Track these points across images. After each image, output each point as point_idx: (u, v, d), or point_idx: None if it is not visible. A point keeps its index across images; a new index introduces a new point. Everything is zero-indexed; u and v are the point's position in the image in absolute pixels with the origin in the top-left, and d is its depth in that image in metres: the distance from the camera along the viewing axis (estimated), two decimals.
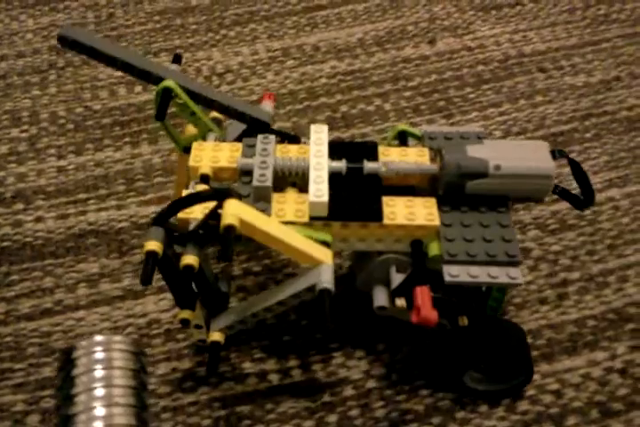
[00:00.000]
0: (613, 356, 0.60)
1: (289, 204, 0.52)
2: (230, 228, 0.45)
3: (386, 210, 0.51)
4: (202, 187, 0.53)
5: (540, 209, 0.72)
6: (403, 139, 0.59)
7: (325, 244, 0.50)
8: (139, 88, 0.86)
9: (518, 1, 1.00)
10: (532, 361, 0.55)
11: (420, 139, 0.57)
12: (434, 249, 0.51)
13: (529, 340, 0.59)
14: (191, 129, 0.60)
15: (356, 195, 0.52)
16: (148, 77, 0.56)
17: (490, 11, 0.99)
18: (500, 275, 0.50)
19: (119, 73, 0.87)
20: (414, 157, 0.55)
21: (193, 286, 0.52)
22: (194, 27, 0.96)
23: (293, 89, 0.87)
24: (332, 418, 0.55)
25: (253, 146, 0.55)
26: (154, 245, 0.46)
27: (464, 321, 0.53)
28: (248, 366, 0.59)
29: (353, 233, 0.52)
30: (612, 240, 0.69)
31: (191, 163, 0.54)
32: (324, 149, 0.54)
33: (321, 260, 0.49)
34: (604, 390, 0.57)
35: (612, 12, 0.98)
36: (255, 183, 0.51)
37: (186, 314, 0.51)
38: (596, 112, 0.83)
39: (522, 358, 0.54)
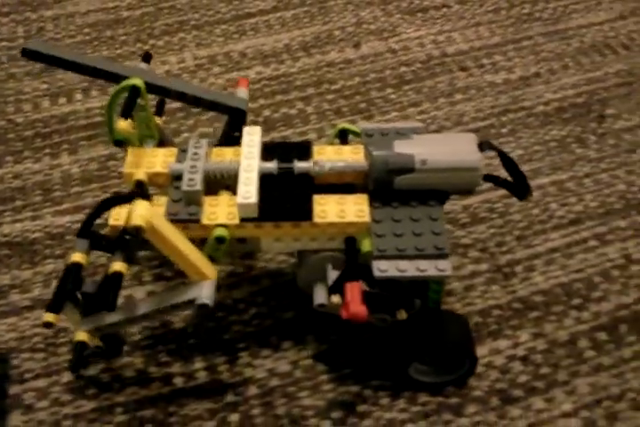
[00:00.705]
0: (516, 344, 0.60)
1: (221, 206, 0.52)
2: (138, 229, 0.45)
3: (317, 208, 0.52)
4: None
5: (452, 204, 0.73)
6: (344, 137, 0.60)
7: (221, 240, 0.51)
8: (63, 100, 0.86)
9: (445, 3, 1.03)
10: (475, 350, 0.55)
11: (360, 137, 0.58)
12: (366, 245, 0.51)
13: None
14: (123, 124, 0.56)
15: (287, 195, 0.52)
16: (117, 79, 0.57)
17: (416, 14, 1.01)
18: (429, 268, 0.50)
19: (44, 86, 0.89)
20: (349, 155, 0.55)
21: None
22: (123, 38, 0.97)
23: None
24: (234, 418, 0.56)
25: (185, 150, 0.55)
26: (78, 256, 0.48)
27: (402, 315, 0.53)
28: (153, 371, 0.59)
29: (286, 233, 0.52)
30: (520, 231, 0.70)
31: (126, 169, 0.54)
32: (256, 150, 0.54)
33: (207, 276, 0.50)
34: (505, 378, 0.58)
35: (535, 11, 1.00)
36: (184, 188, 0.51)
37: (51, 317, 0.49)
38: (513, 108, 0.85)
39: (465, 348, 0.54)
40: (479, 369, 0.58)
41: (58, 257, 0.68)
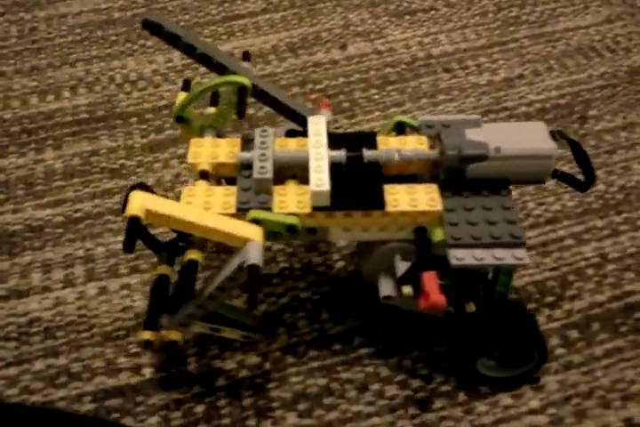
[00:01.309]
0: None
1: (290, 195, 0.52)
2: (134, 219, 0.45)
3: (388, 198, 0.51)
4: (201, 183, 0.53)
5: None
6: (400, 130, 0.60)
7: (292, 229, 0.50)
8: (51, 97, 0.88)
9: (433, 6, 1.04)
10: (545, 343, 0.54)
11: (417, 129, 0.58)
12: (438, 235, 0.51)
13: None
14: (182, 96, 0.59)
15: (358, 184, 0.52)
16: (222, 71, 0.57)
17: (403, 16, 1.01)
18: (506, 256, 0.50)
19: (33, 83, 0.90)
20: (413, 145, 0.55)
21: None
22: (113, 38, 0.98)
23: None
24: (200, 409, 0.56)
25: (251, 140, 0.55)
26: (163, 269, 0.52)
27: (471, 307, 0.53)
28: (122, 361, 0.59)
29: (356, 222, 0.52)
30: None
31: (190, 160, 0.54)
32: (323, 139, 0.53)
33: (248, 238, 0.48)
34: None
35: (522, 14, 1.01)
36: (256, 175, 0.51)
37: (148, 335, 0.51)
38: (495, 108, 0.85)
39: (534, 341, 0.53)
40: (445, 363, 0.59)
41: (36, 249, 0.69)
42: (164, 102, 0.86)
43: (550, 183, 0.75)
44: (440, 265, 0.50)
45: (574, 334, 0.60)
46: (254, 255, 0.46)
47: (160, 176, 0.77)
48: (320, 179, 0.50)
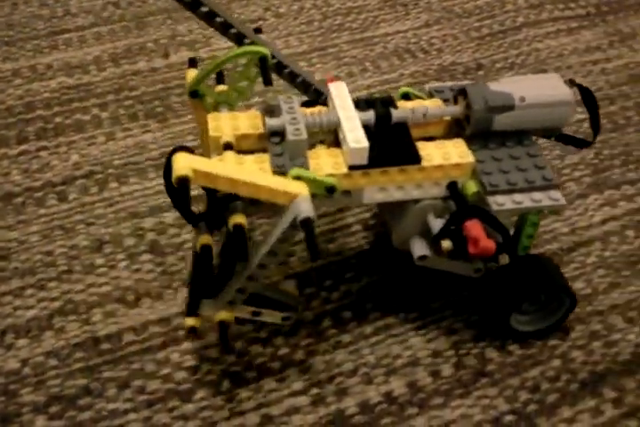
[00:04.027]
0: (260, 327, 0.59)
1: (323, 158, 0.51)
2: (184, 179, 0.43)
3: (421, 153, 0.52)
4: (229, 153, 0.51)
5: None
6: (407, 100, 0.60)
7: (331, 189, 0.49)
8: None
9: (261, 16, 1.06)
10: (570, 287, 0.56)
11: (423, 99, 0.59)
12: (471, 187, 0.52)
13: (181, 320, 0.58)
14: (191, 72, 0.58)
15: (390, 142, 0.52)
16: (241, 41, 0.56)
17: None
18: (543, 198, 0.52)
19: None
20: (433, 105, 0.56)
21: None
22: None
23: (12, 104, 0.87)
24: None
25: (272, 111, 0.54)
26: (239, 217, 0.46)
27: (505, 259, 0.54)
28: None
29: (391, 180, 0.52)
30: None
31: (212, 133, 0.53)
32: (349, 101, 0.54)
33: (296, 193, 0.47)
34: (241, 361, 0.57)
35: (346, 22, 1.05)
36: (290, 137, 0.50)
37: (193, 321, 0.50)
38: None
39: (565, 287, 0.55)
40: (215, 354, 0.57)
41: None
42: None
43: None
44: (478, 215, 0.51)
45: (348, 315, 0.61)
46: (306, 208, 0.46)
47: None
48: (357, 136, 0.50)
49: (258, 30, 0.62)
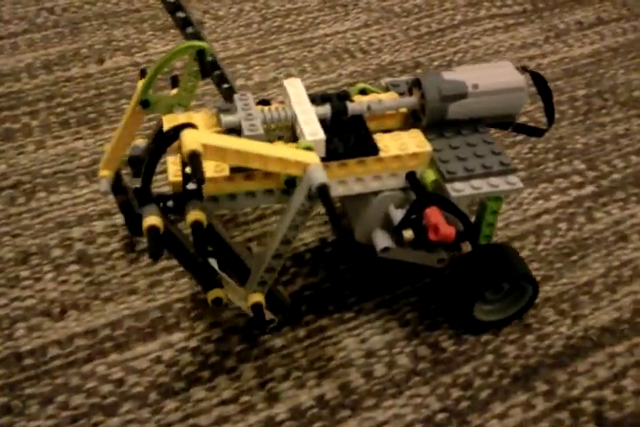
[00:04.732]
0: (191, 335, 0.58)
1: None
2: (194, 154, 0.43)
3: (378, 145, 0.52)
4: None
5: None
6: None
7: (291, 182, 0.50)
8: None
9: (200, 20, 1.05)
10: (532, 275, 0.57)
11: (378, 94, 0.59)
12: (430, 176, 0.52)
13: (109, 332, 0.57)
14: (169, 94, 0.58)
15: (347, 135, 0.52)
16: (184, 29, 0.56)
17: (169, 30, 1.01)
18: (501, 183, 0.52)
19: None
20: (388, 98, 0.56)
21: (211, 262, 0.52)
22: None
23: None
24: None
25: (227, 110, 0.53)
26: (153, 220, 0.44)
27: (468, 247, 0.54)
28: None
29: (350, 172, 0.52)
30: (221, 224, 0.70)
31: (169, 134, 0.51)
32: (305, 96, 0.54)
33: (307, 162, 0.46)
34: (170, 371, 0.55)
35: (285, 24, 1.04)
36: (247, 133, 0.49)
37: (216, 293, 0.50)
38: None
39: (527, 275, 0.55)
40: (143, 365, 0.56)
41: None
42: None
43: None
44: (438, 203, 0.51)
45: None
46: (321, 175, 0.45)
47: None
48: (313, 128, 0.50)
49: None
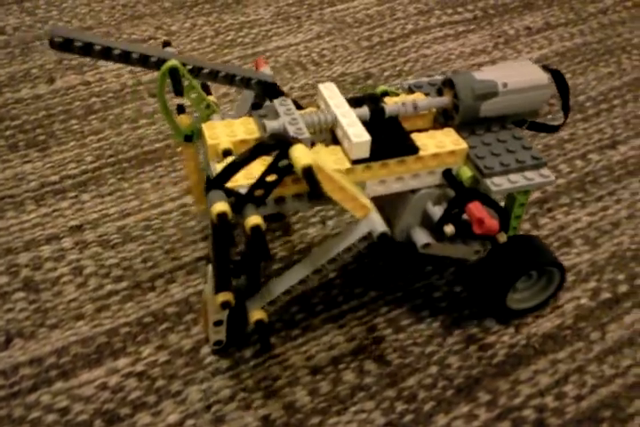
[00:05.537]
0: (137, 360, 0.58)
1: (325, 155, 0.52)
2: (309, 169, 0.44)
3: (417, 144, 0.54)
4: (230, 159, 0.49)
5: (107, 226, 0.71)
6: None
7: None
8: None
9: (152, 36, 1.05)
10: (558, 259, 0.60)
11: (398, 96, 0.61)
12: (466, 172, 0.55)
13: (54, 359, 0.57)
14: (185, 119, 0.59)
15: (386, 136, 0.54)
16: (147, 62, 0.54)
17: None
18: (535, 176, 0.55)
19: None
20: (420, 98, 0.58)
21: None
22: None
23: None
24: None
25: (265, 115, 0.55)
26: (222, 206, 0.44)
27: (504, 238, 0.56)
28: None
29: (391, 172, 0.54)
30: (171, 245, 0.70)
31: (209, 142, 0.53)
32: (342, 100, 0.55)
33: (369, 208, 0.50)
34: (115, 398, 0.55)
35: (238, 37, 1.04)
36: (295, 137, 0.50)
37: (226, 296, 0.49)
38: None
39: (556, 262, 0.59)
40: (89, 392, 0.56)
41: None
42: None
43: None
44: (478, 197, 0.53)
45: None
46: (381, 223, 0.49)
47: None
48: (357, 130, 0.52)
49: (167, 44, 0.62)
